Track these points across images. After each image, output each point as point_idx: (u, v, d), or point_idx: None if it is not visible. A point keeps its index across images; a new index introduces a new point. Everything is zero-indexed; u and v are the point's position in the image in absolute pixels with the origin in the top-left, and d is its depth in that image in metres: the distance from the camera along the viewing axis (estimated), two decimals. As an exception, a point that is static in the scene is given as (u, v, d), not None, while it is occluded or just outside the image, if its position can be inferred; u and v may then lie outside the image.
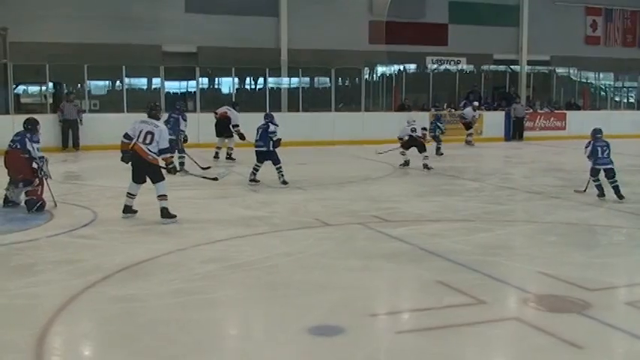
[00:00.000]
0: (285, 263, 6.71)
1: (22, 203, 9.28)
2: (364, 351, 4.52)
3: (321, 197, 10.69)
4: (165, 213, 8.59)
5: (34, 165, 9.18)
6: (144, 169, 8.67)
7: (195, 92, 21.85)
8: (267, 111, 14.75)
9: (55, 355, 4.49)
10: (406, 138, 14.71)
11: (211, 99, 21.99)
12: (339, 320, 4.99)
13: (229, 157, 15.75)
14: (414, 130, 14.69)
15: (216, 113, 16.14)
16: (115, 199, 9.42)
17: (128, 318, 5.12)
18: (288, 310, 5.28)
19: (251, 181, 11.89)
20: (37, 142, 9.32)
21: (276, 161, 11.84)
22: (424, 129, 15.47)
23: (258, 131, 11.93)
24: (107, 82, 23.59)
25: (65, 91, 21.19)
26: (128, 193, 8.82)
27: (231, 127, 15.55)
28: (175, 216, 8.59)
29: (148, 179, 8.74)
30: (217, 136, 16.11)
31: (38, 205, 9.10)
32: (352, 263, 6.69)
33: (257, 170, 11.98)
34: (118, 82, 22.24)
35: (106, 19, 21.62)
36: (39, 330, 4.73)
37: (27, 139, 9.25)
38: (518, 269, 6.63)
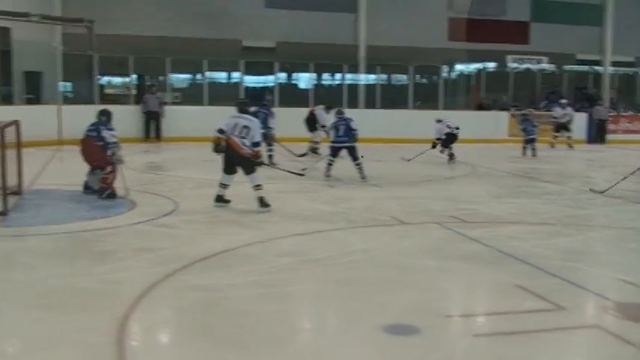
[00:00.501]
0: (362, 260, 6.70)
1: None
2: (440, 352, 4.47)
3: (397, 195, 10.63)
4: (263, 202, 8.85)
5: (108, 152, 9.48)
6: (237, 162, 8.92)
7: (273, 87, 22.05)
8: (342, 107, 14.80)
9: (134, 341, 4.58)
10: (444, 136, 15.21)
11: (289, 94, 22.19)
12: (414, 320, 4.94)
13: (314, 151, 15.91)
14: (449, 126, 15.04)
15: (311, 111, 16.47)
16: (196, 190, 9.60)
17: (207, 307, 5.20)
18: (363, 307, 5.27)
19: (327, 176, 12.01)
20: (112, 129, 9.65)
21: (355, 157, 11.94)
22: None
23: (338, 128, 12.04)
24: (188, 76, 24.06)
25: (147, 83, 21.74)
26: (221, 183, 9.05)
27: (318, 126, 15.83)
28: (270, 205, 8.83)
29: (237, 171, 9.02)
30: (309, 131, 16.32)
31: (108, 192, 9.37)
32: (428, 263, 6.63)
33: (332, 165, 12.09)
34: (198, 76, 22.66)
35: (189, 14, 22.08)
36: (120, 315, 4.85)
37: (101, 127, 9.60)
38: (598, 275, 6.45)
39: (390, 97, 23.00)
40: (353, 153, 12.07)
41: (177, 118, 19.01)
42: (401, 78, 24.64)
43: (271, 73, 22.25)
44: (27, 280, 5.77)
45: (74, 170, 9.70)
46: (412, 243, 7.49)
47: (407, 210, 9.33)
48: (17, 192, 9.44)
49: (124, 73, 21.51)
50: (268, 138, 13.61)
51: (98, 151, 9.54)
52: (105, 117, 9.85)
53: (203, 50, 21.12)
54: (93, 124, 9.79)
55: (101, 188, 9.47)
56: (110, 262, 6.37)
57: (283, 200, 9.79)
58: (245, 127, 8.89)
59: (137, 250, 6.89)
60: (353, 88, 23.21)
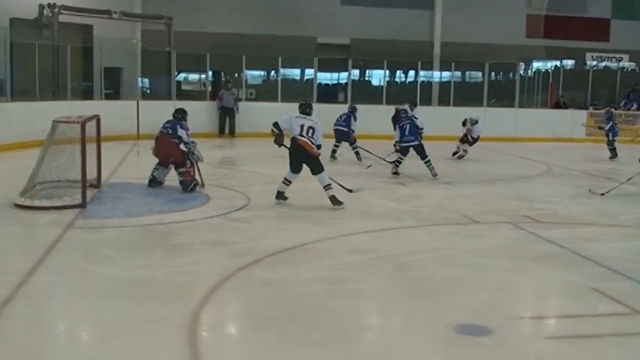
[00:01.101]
0: (432, 259, 6.65)
1: (178, 184, 9.79)
2: (512, 354, 4.40)
3: (469, 194, 10.50)
4: (335, 200, 8.89)
5: (184, 148, 9.67)
6: (305, 160, 8.96)
7: (346, 84, 22.07)
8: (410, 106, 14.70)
9: (206, 332, 4.66)
10: (476, 137, 15.14)
11: (362, 91, 22.15)
12: (485, 320, 4.88)
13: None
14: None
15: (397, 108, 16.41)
16: (268, 186, 9.69)
17: (277, 301, 5.26)
18: (433, 306, 5.24)
19: (394, 173, 12.01)
20: (187, 129, 9.86)
21: (423, 155, 11.92)
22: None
23: (404, 127, 12.07)
24: (263, 72, 24.34)
25: (223, 79, 22.08)
26: (285, 179, 9.12)
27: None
28: (342, 202, 8.87)
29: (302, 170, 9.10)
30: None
31: (192, 185, 9.64)
32: (500, 263, 6.53)
33: (399, 164, 12.11)
34: (272, 73, 22.89)
35: (265, 12, 22.32)
36: (193, 307, 4.95)
37: (178, 126, 9.81)
38: (679, 281, 6.23)
39: (464, 95, 22.70)
40: (420, 151, 12.08)
41: (251, 114, 19.21)
42: (475, 75, 24.30)
43: (345, 70, 22.26)
44: (104, 271, 5.94)
45: (151, 164, 9.92)
46: (484, 242, 7.39)
47: (479, 209, 9.21)
48: (96, 185, 9.73)
49: (201, 70, 21.88)
50: (351, 137, 14.16)
51: (174, 149, 9.74)
52: (180, 115, 10.07)
53: (278, 47, 21.31)
54: (168, 122, 10.02)
55: (185, 181, 9.67)
56: (185, 255, 6.50)
57: (354, 198, 9.78)
58: (310, 127, 8.98)
59: (211, 243, 7.02)
60: (426, 85, 23.01)
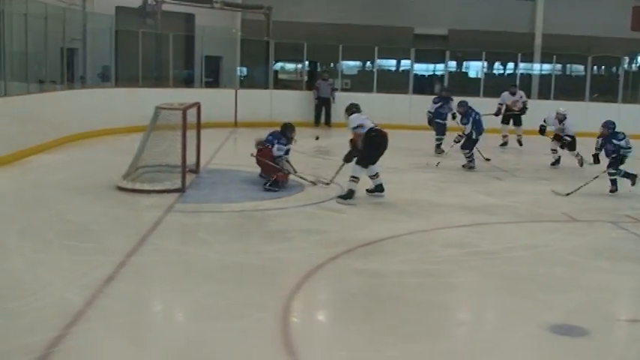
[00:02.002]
0: (528, 256, 6.50)
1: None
2: (609, 357, 4.27)
3: (568, 190, 10.19)
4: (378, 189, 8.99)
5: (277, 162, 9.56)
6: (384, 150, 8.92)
7: (443, 75, 21.79)
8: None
9: (297, 319, 4.72)
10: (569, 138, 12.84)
11: (458, 83, 21.80)
12: (582, 321, 4.74)
13: (519, 143, 15.57)
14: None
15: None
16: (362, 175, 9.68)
17: (368, 292, 5.27)
18: (527, 304, 5.13)
19: (469, 168, 11.83)
20: (284, 144, 9.62)
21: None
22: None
23: (478, 121, 11.94)
24: (359, 63, 24.30)
25: (319, 69, 22.19)
26: (357, 177, 8.82)
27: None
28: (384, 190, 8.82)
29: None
30: (503, 122, 16.03)
31: (271, 181, 9.26)
32: (600, 264, 6.32)
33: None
34: (368, 63, 22.81)
35: (362, 2, 22.31)
36: (286, 293, 5.03)
37: (275, 140, 9.62)
38: None
39: (565, 89, 22.01)
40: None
41: (347, 104, 19.20)
42: (577, 69, 23.53)
43: (441, 61, 21.98)
44: (202, 255, 6.10)
45: (247, 152, 10.09)
46: (583, 241, 7.18)
47: (578, 207, 8.93)
48: (195, 170, 9.97)
49: (298, 60, 22.05)
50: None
51: (266, 163, 9.65)
52: (283, 130, 9.83)
53: (374, 38, 21.21)
54: (271, 134, 9.87)
55: (268, 178, 9.55)
56: (279, 242, 6.59)
57: (448, 190, 9.68)
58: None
59: (304, 231, 7.09)
60: (526, 78, 22.43)
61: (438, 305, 5.04)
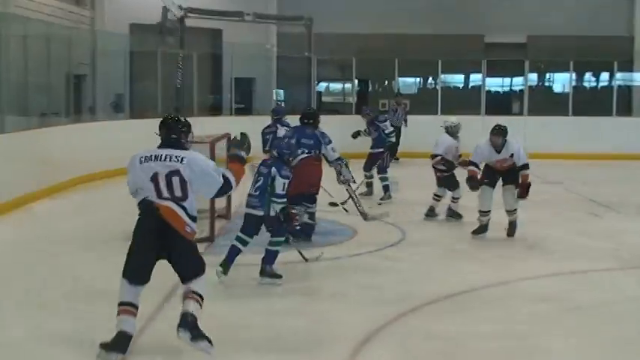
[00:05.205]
0: (637, 311, 6.37)
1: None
2: None
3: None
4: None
5: None
6: None
7: (521, 91, 21.65)
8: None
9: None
10: None
11: (541, 99, 21.63)
12: None
13: None
14: None
15: None
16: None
17: (442, 360, 5.20)
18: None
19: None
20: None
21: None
22: None
23: None
24: (418, 79, 24.32)
25: (370, 88, 22.18)
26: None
27: None
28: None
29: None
30: None
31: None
32: None
33: None
34: (430, 79, 22.84)
35: (421, 7, 22.32)
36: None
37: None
38: None
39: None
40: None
41: (409, 129, 19.01)
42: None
43: (520, 74, 21.87)
44: (237, 317, 6.07)
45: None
46: None
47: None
48: (225, 216, 10.00)
49: (345, 78, 22.14)
50: None
51: None
52: None
53: (437, 49, 21.25)
54: None
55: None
56: (328, 300, 6.57)
57: (532, 231, 9.53)
58: None
59: (359, 286, 7.02)
60: (624, 90, 22.16)
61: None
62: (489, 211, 8.99)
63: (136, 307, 5.17)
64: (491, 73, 21.92)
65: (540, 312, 6.24)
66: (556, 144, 17.37)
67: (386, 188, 12.09)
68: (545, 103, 21.32)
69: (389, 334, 5.65)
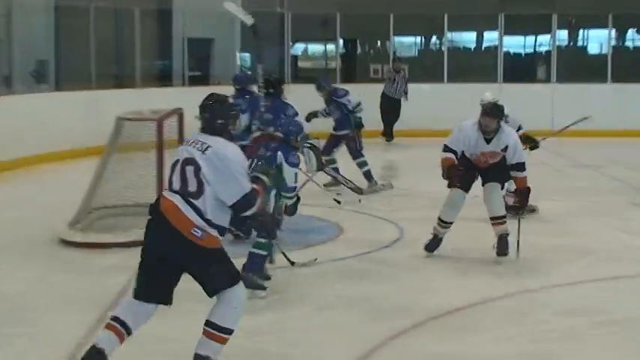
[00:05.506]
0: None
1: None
2: None
3: None
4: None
5: None
6: None
7: (548, 52, 21.73)
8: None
9: None
10: None
11: (572, 63, 21.71)
12: None
13: None
14: None
15: None
16: (430, 210, 9.65)
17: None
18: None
19: None
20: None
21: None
22: None
23: None
24: (419, 39, 24.32)
25: (359, 50, 22.16)
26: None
27: None
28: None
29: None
30: None
31: None
32: None
33: None
34: (434, 39, 22.86)
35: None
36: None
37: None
38: None
39: None
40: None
41: (409, 101, 19.00)
42: None
43: (546, 31, 21.94)
44: (192, 340, 6.05)
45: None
46: None
47: None
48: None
49: (327, 38, 22.09)
50: None
51: None
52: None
53: (442, 1, 21.27)
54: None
55: None
56: (310, 315, 6.61)
57: (562, 226, 9.60)
58: None
59: (346, 298, 7.05)
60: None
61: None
62: (452, 223, 8.39)
63: (125, 327, 5.15)
64: (511, 30, 21.98)
65: (572, 327, 6.31)
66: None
67: (368, 175, 12.03)
68: (577, 67, 21.43)
69: (384, 355, 5.69)
